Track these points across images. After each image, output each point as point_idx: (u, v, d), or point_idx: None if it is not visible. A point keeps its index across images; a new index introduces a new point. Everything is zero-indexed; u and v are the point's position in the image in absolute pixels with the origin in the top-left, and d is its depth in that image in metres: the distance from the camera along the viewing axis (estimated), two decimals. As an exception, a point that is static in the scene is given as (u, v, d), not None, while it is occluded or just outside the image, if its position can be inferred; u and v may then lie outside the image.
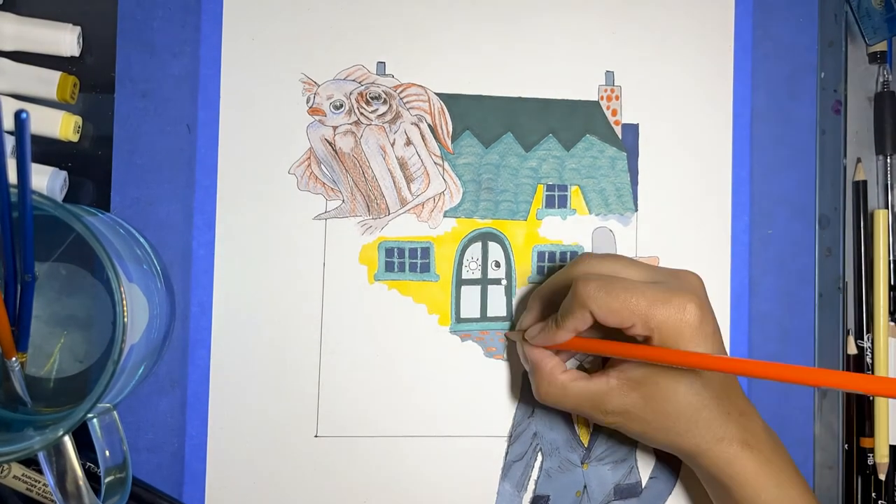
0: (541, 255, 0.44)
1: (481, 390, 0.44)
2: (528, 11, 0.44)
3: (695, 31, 0.45)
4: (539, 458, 0.44)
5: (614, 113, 0.45)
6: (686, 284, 0.37)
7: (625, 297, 0.35)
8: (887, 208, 0.47)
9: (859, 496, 0.46)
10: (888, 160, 0.47)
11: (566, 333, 0.37)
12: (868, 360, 0.46)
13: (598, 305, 0.36)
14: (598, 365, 0.43)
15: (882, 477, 0.46)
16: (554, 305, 0.39)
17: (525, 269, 0.44)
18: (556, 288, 0.40)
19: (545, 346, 0.39)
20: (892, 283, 0.46)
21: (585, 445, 0.44)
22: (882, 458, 0.46)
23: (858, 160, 0.47)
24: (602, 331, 0.38)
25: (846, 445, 0.46)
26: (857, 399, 0.46)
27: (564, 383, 0.38)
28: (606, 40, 0.45)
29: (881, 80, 0.47)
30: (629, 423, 0.38)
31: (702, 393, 0.36)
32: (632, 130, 0.45)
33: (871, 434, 0.46)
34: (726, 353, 0.38)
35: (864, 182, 0.47)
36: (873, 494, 0.46)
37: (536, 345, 0.39)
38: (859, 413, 0.46)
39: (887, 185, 0.47)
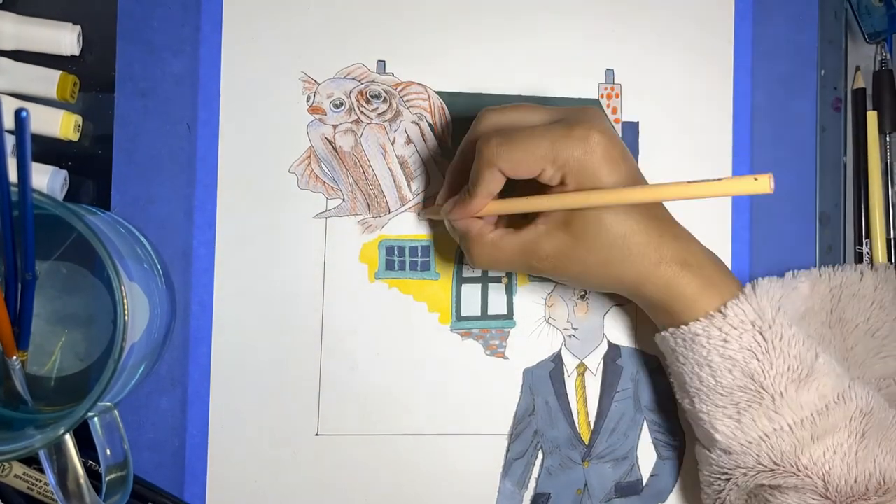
0: (541, 253, 0.44)
1: (482, 388, 0.44)
2: (529, 9, 0.44)
3: (695, 29, 0.45)
4: (540, 455, 0.44)
5: (614, 111, 0.45)
6: (586, 115, 0.36)
7: (527, 143, 0.35)
8: (888, 186, 0.47)
9: None
10: (888, 138, 0.47)
11: (481, 199, 0.37)
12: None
13: (503, 160, 0.35)
14: None
15: None
16: (467, 175, 0.38)
17: (525, 268, 0.44)
18: (465, 156, 0.39)
19: (467, 217, 0.38)
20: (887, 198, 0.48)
21: (586, 443, 0.44)
22: None
23: (857, 68, 0.47)
24: (519, 189, 0.37)
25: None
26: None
27: (494, 240, 0.37)
28: (606, 38, 0.45)
29: (879, 58, 0.47)
30: (566, 264, 0.37)
31: (628, 220, 0.36)
32: (632, 128, 0.45)
33: None
34: (640, 176, 0.37)
35: (863, 90, 0.47)
36: None
37: (456, 218, 0.38)
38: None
39: (888, 163, 0.47)
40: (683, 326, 0.38)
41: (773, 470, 0.37)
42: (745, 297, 0.37)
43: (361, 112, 0.43)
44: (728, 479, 0.39)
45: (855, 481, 0.36)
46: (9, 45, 0.40)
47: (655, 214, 0.37)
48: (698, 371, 0.38)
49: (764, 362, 0.36)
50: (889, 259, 0.47)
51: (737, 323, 0.36)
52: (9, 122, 0.38)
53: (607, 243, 0.36)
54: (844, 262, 0.47)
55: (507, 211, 0.37)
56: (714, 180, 0.32)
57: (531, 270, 0.38)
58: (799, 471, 0.37)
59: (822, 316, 0.41)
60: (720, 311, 0.37)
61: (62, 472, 0.33)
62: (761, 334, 0.36)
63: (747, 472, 0.38)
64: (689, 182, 0.32)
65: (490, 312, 0.44)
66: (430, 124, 0.44)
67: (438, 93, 0.44)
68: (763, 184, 0.31)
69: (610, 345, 0.45)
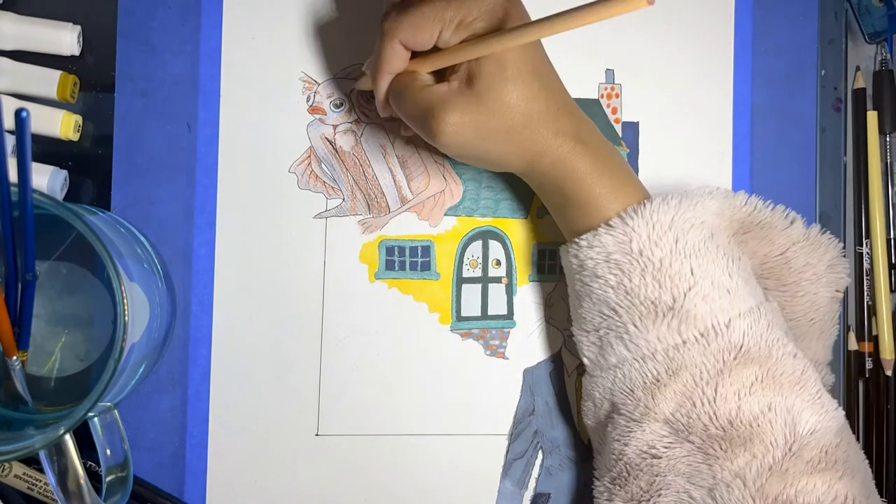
0: (541, 252, 0.44)
1: (482, 389, 0.44)
2: (529, 10, 0.44)
3: (695, 29, 0.45)
4: (540, 455, 0.44)
5: (615, 111, 0.45)
6: None
7: (421, 7, 0.35)
8: (888, 186, 0.47)
9: (860, 399, 0.47)
10: (887, 139, 0.47)
11: (384, 77, 0.37)
12: (867, 265, 0.47)
13: (401, 29, 0.35)
14: None
15: (889, 373, 0.46)
16: None
17: (526, 268, 0.44)
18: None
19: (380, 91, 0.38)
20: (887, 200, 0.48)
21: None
22: (888, 353, 0.46)
23: (857, 68, 0.47)
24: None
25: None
26: (858, 302, 0.47)
27: (409, 81, 0.37)
28: (607, 38, 0.45)
29: (879, 58, 0.47)
30: (470, 129, 0.36)
31: (531, 84, 0.36)
32: (632, 128, 0.45)
33: (871, 338, 0.47)
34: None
35: (863, 90, 0.47)
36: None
37: (365, 89, 0.39)
38: (859, 317, 0.47)
39: (888, 163, 0.47)
40: (559, 247, 0.39)
41: (626, 396, 0.37)
42: (607, 228, 0.36)
43: (361, 112, 0.43)
44: (587, 400, 0.40)
45: (698, 418, 0.36)
46: (9, 45, 0.40)
47: (555, 88, 0.37)
48: (571, 295, 0.39)
49: (619, 293, 0.36)
50: (890, 260, 0.47)
51: (592, 254, 0.37)
52: (9, 122, 0.38)
53: (509, 104, 0.36)
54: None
55: (413, 68, 0.37)
56: (593, 3, 0.31)
57: (428, 132, 0.36)
58: (648, 407, 0.36)
59: (728, 234, 0.40)
60: (575, 242, 0.37)
61: (62, 472, 0.33)
62: (619, 267, 0.36)
63: (603, 393, 0.38)
64: (569, 10, 0.31)
65: (490, 312, 0.44)
66: (430, 124, 0.44)
67: (438, 93, 0.43)
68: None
69: (610, 345, 0.45)
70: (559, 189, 0.38)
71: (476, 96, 0.35)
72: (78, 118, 0.41)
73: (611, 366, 0.38)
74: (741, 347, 0.36)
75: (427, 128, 0.36)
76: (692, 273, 0.36)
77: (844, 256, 0.42)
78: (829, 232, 0.42)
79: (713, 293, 0.36)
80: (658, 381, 0.36)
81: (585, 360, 0.39)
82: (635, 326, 0.36)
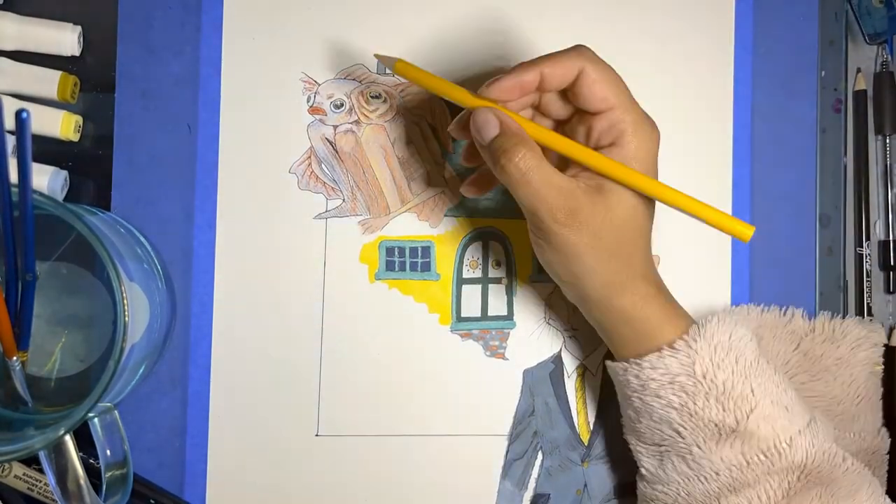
0: (541, 253, 0.44)
1: (482, 389, 0.44)
2: (529, 12, 0.44)
3: (695, 30, 0.45)
4: (539, 456, 0.44)
5: (615, 112, 0.45)
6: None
7: (619, 79, 0.35)
8: (888, 189, 0.47)
9: None
10: (887, 140, 0.47)
11: (534, 71, 0.34)
12: (867, 267, 0.47)
13: (593, 63, 0.34)
14: None
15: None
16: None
17: (526, 268, 0.44)
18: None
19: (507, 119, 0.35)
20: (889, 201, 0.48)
21: (586, 444, 0.44)
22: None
23: (858, 70, 0.47)
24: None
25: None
26: (858, 304, 0.47)
27: (542, 158, 0.34)
28: (606, 39, 0.45)
29: (880, 60, 0.47)
30: (581, 232, 0.34)
31: (646, 219, 0.36)
32: (632, 129, 0.45)
33: None
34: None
35: (865, 91, 0.47)
36: None
37: (505, 82, 0.35)
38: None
39: (887, 165, 0.47)
40: (610, 362, 0.39)
41: None
42: (672, 351, 0.36)
43: (362, 113, 0.43)
44: (641, 501, 0.40)
45: None
46: (9, 46, 0.40)
47: (649, 235, 0.38)
48: (626, 409, 0.39)
49: (683, 414, 0.36)
50: (890, 260, 0.47)
51: (656, 375, 0.36)
52: (9, 123, 0.38)
53: (622, 228, 0.35)
54: (845, 263, 0.47)
55: (553, 144, 0.35)
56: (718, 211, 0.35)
57: (544, 225, 0.35)
58: None
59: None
60: (637, 363, 0.36)
61: (62, 472, 0.33)
62: (683, 389, 0.36)
63: (665, 500, 0.38)
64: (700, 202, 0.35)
65: (490, 313, 0.44)
66: (430, 125, 0.44)
67: (439, 93, 0.44)
68: (744, 231, 0.35)
69: (610, 345, 0.45)
70: (627, 322, 0.37)
71: (604, 207, 0.34)
72: (78, 118, 0.41)
73: (671, 479, 0.37)
74: (804, 467, 0.36)
75: (545, 215, 0.34)
76: (753, 393, 0.36)
77: (877, 335, 0.44)
78: (831, 315, 0.45)
79: (774, 412, 0.36)
80: (720, 497, 0.36)
81: (643, 469, 0.39)
82: (699, 448, 0.36)
